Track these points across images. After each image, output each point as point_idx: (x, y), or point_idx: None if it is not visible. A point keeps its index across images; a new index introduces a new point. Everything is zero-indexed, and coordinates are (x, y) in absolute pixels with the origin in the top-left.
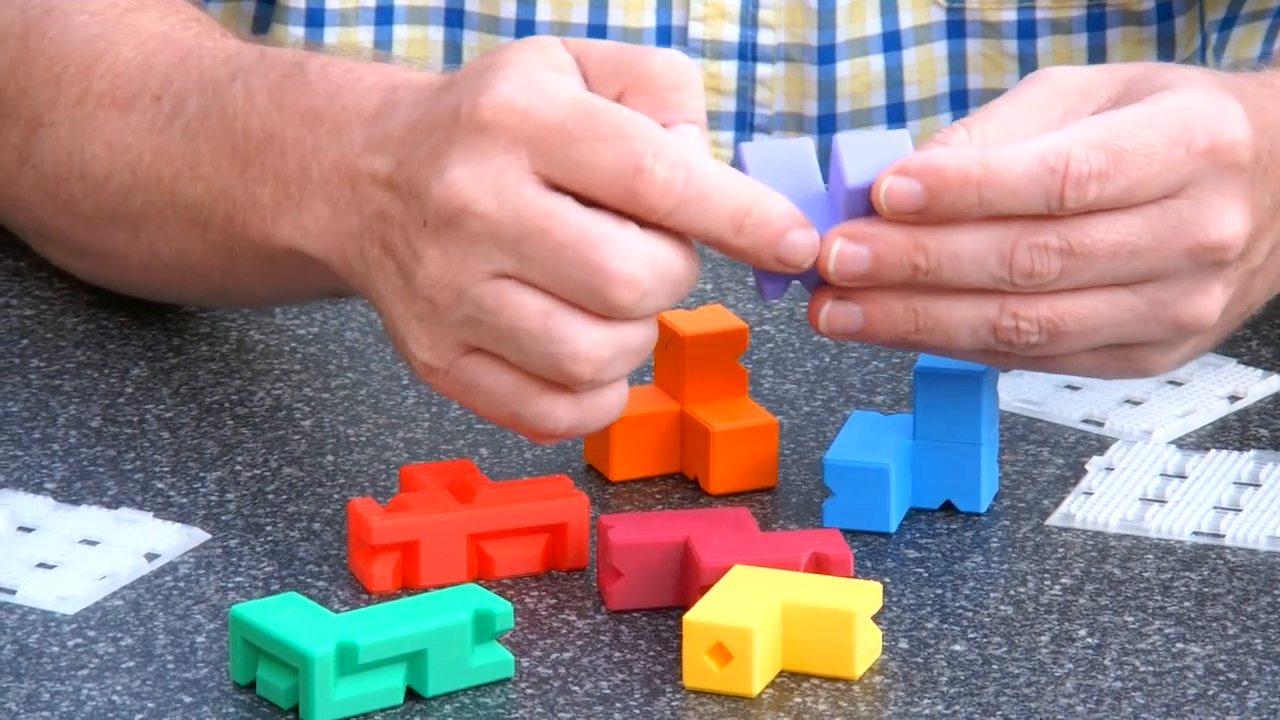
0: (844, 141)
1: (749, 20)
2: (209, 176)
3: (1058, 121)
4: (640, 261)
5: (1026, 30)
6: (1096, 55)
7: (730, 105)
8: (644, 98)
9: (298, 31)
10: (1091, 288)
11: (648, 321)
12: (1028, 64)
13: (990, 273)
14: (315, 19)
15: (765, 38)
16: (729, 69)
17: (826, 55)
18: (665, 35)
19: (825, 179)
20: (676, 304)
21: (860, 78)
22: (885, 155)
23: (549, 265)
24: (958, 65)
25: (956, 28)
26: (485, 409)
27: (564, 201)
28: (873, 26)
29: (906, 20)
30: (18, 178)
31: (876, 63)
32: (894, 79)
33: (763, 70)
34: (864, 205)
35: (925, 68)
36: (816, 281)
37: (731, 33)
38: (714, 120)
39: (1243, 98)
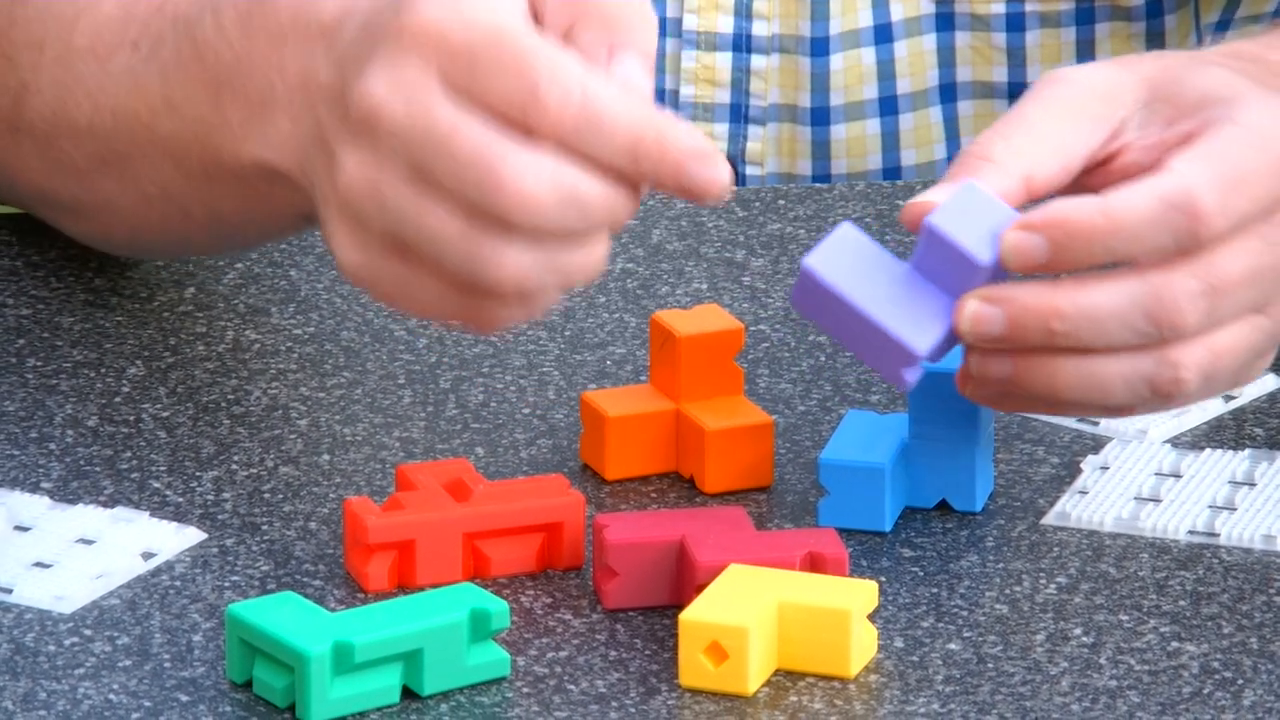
0: (942, 221)
1: (743, 11)
2: (182, 107)
3: (1097, 130)
4: (539, 180)
5: (1016, 24)
6: (1085, 49)
7: (725, 97)
8: (591, 31)
9: None
10: (1233, 320)
11: (580, 243)
12: (1016, 57)
13: (1137, 329)
14: None
15: (759, 29)
16: (723, 60)
17: (820, 47)
18: (660, 26)
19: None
20: (600, 233)
21: (853, 70)
22: (988, 220)
23: (454, 176)
24: (946, 58)
25: (945, 20)
26: (418, 311)
27: (469, 117)
28: (864, 19)
29: (897, 13)
30: (12, 146)
31: (868, 55)
32: (886, 72)
33: (757, 61)
34: (992, 276)
35: (916, 60)
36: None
37: (726, 24)
38: (709, 112)
39: None
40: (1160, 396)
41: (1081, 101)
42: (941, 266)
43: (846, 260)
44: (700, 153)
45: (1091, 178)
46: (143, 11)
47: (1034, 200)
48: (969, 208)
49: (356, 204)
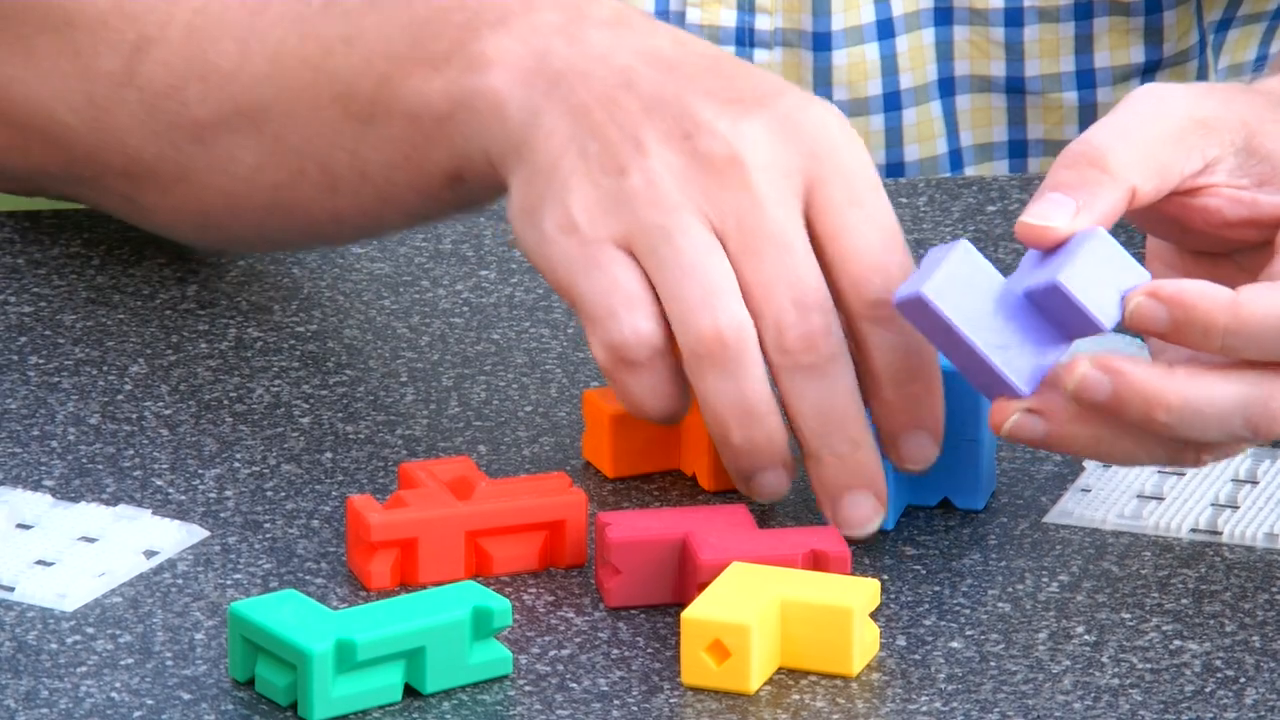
0: (1072, 283)
1: (746, 5)
2: (370, 44)
3: (1192, 161)
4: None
5: (1014, 18)
6: (1083, 44)
7: None
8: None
9: None
10: None
11: None
12: (1014, 52)
13: (1232, 431)
14: None
15: (762, 23)
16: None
17: (822, 42)
18: (663, 20)
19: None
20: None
21: (857, 66)
22: (1116, 280)
23: (752, 264)
24: (945, 52)
25: (944, 15)
26: (583, 295)
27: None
28: (867, 14)
29: (898, 8)
30: (114, 105)
31: (871, 51)
32: (889, 67)
33: (760, 56)
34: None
35: (916, 55)
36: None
37: (729, 18)
38: None
39: None
40: (1194, 463)
41: (1183, 128)
42: (1061, 314)
43: (960, 286)
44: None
45: (1168, 204)
46: None
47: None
48: (1098, 264)
49: (637, 196)
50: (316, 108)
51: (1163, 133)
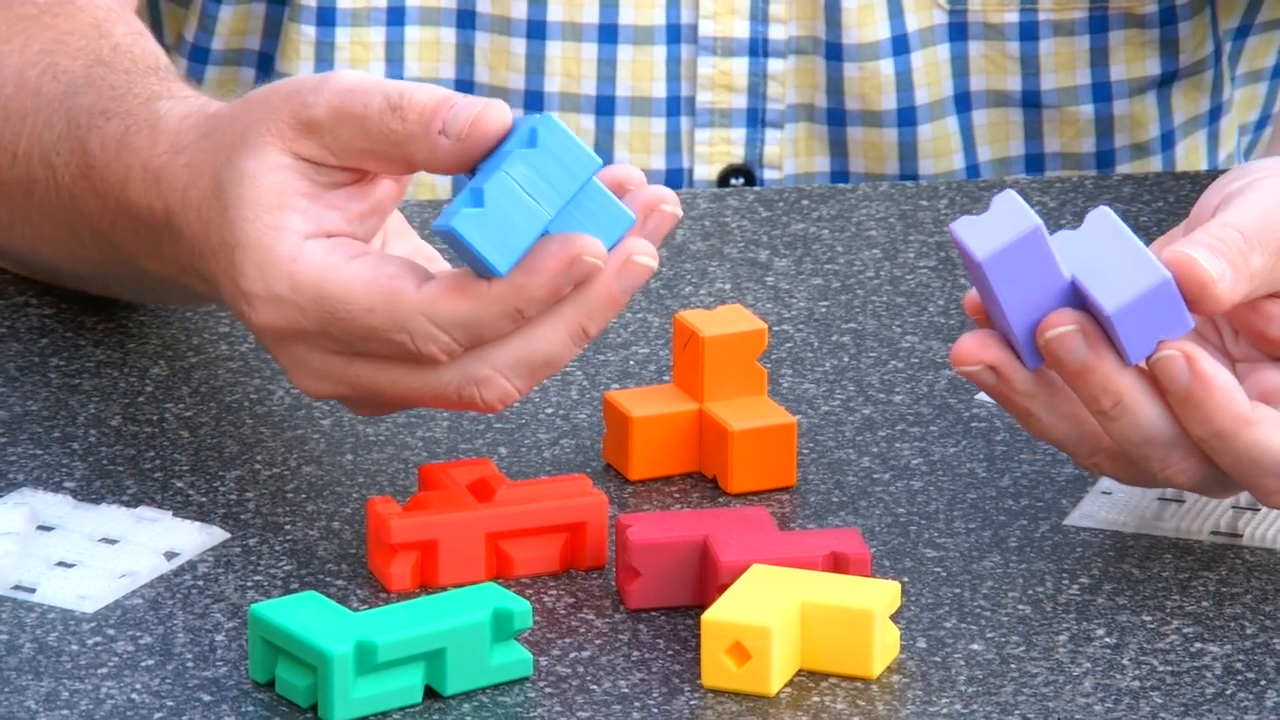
0: (1084, 274)
1: (759, 16)
2: (99, 238)
3: None
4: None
5: (1029, 32)
6: (1099, 58)
7: (741, 102)
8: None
9: (310, 31)
10: None
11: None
12: (1030, 66)
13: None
14: (327, 18)
15: (776, 32)
16: (740, 66)
17: (835, 52)
18: (675, 33)
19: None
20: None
21: (870, 80)
22: (1165, 324)
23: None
24: (960, 68)
25: (959, 30)
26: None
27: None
28: (882, 30)
29: (912, 23)
30: None
31: (887, 66)
32: (904, 83)
33: (774, 65)
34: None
35: (931, 70)
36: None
37: (742, 29)
38: (726, 118)
39: None
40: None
41: None
42: (1098, 314)
43: (1019, 261)
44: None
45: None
46: (15, 111)
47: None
48: (1156, 307)
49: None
50: (85, 280)
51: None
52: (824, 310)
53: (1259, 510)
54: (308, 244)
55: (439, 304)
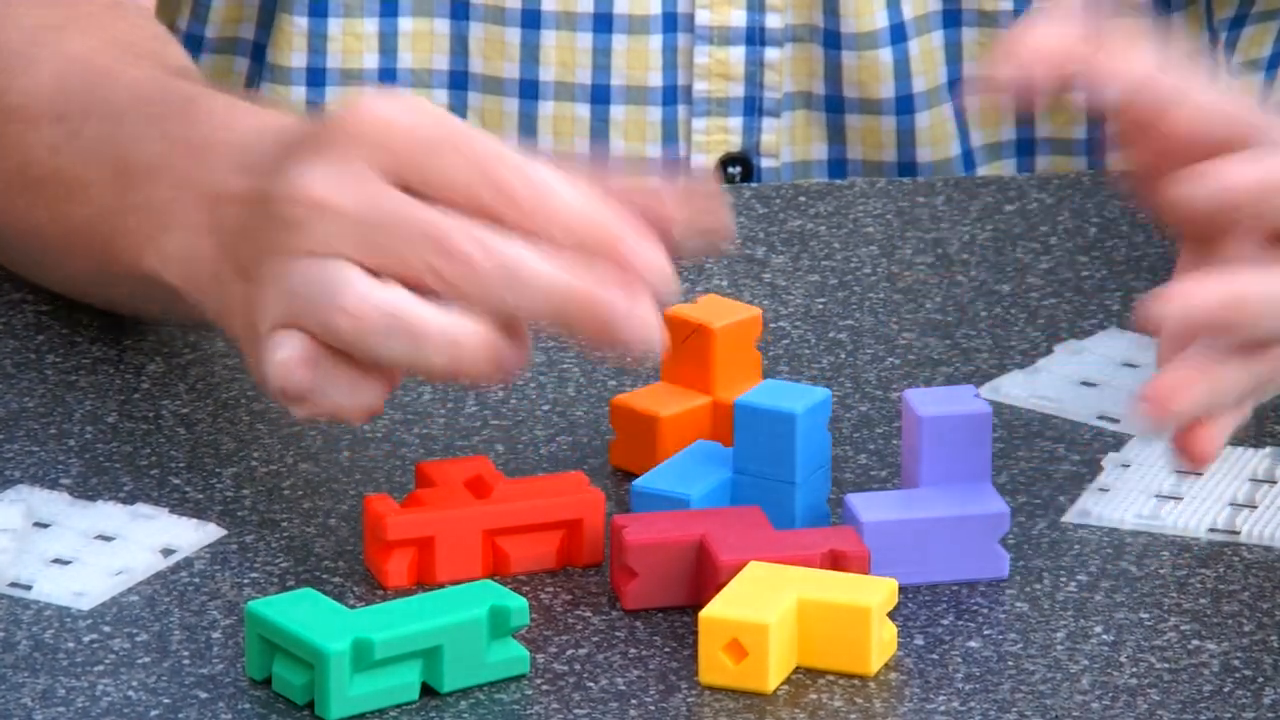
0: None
1: (756, 4)
2: (96, 200)
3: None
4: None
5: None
6: None
7: (739, 91)
8: None
9: (302, 22)
10: None
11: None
12: None
13: None
14: (319, 9)
15: (773, 21)
16: (736, 54)
17: (833, 40)
18: (671, 22)
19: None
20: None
21: (869, 69)
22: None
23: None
24: (954, 55)
25: (953, 17)
26: (357, 416)
27: (418, 201)
28: (880, 19)
29: (908, 10)
30: None
31: (885, 55)
32: (901, 71)
33: (770, 54)
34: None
35: (927, 58)
36: None
37: (739, 18)
38: (723, 106)
39: None
40: None
41: None
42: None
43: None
44: (657, 269)
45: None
46: (75, 86)
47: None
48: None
49: (290, 300)
50: (65, 253)
51: None
52: (821, 307)
53: (1256, 508)
54: None
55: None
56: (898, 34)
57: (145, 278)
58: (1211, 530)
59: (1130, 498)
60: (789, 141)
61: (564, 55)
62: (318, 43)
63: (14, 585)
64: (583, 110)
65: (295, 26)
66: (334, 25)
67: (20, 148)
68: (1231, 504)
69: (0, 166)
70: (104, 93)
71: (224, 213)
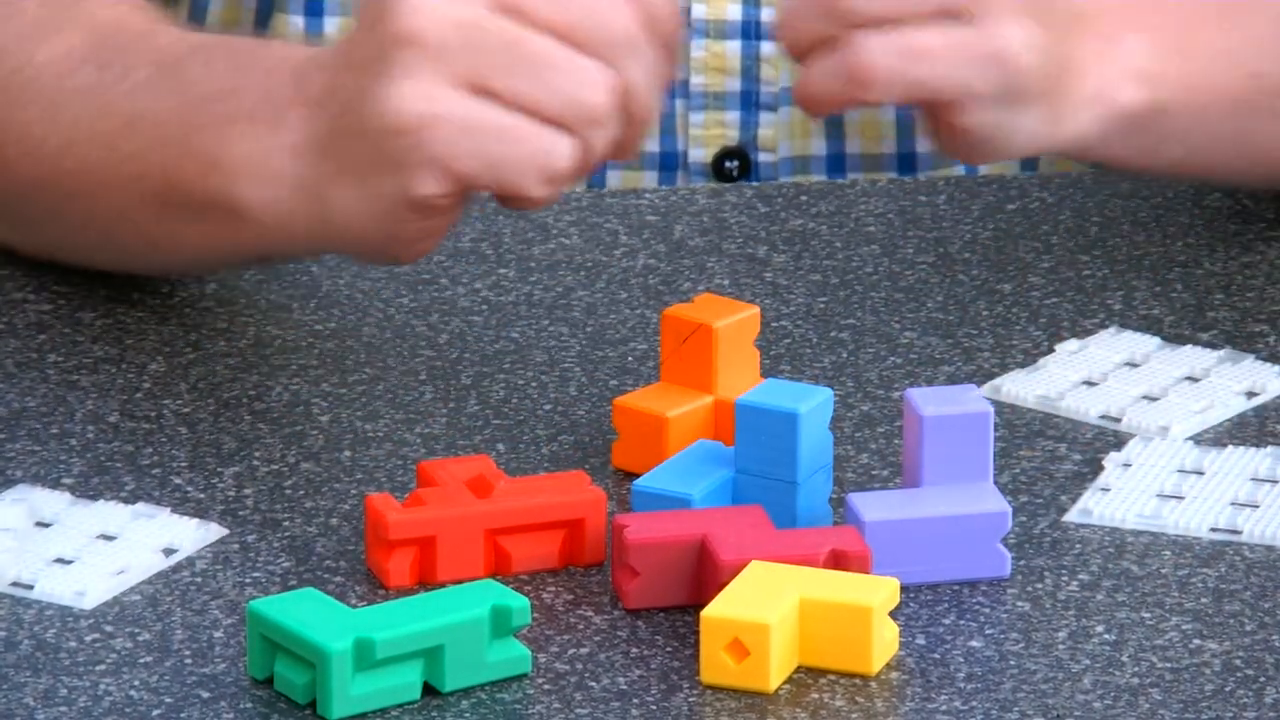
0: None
1: None
2: (150, 130)
3: None
4: None
5: None
6: None
7: (735, 85)
8: None
9: (298, 20)
10: None
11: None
12: None
13: None
14: (315, 8)
15: (768, 15)
16: (733, 48)
17: None
18: None
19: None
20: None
21: None
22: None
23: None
24: None
25: None
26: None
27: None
28: None
29: None
30: None
31: None
32: None
33: (766, 48)
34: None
35: None
36: None
37: (735, 12)
38: (720, 100)
39: None
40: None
41: None
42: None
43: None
44: None
45: None
46: (113, 43)
47: None
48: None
49: (439, 46)
50: (114, 187)
51: None
52: (822, 306)
53: (1258, 507)
54: None
55: None
56: None
57: (205, 203)
58: (1213, 530)
59: (1132, 497)
60: (787, 136)
61: None
62: (314, 42)
63: (16, 585)
64: None
65: (292, 26)
66: (330, 25)
67: (54, 96)
68: (1233, 504)
69: (25, 116)
70: (148, 44)
71: (308, 83)
